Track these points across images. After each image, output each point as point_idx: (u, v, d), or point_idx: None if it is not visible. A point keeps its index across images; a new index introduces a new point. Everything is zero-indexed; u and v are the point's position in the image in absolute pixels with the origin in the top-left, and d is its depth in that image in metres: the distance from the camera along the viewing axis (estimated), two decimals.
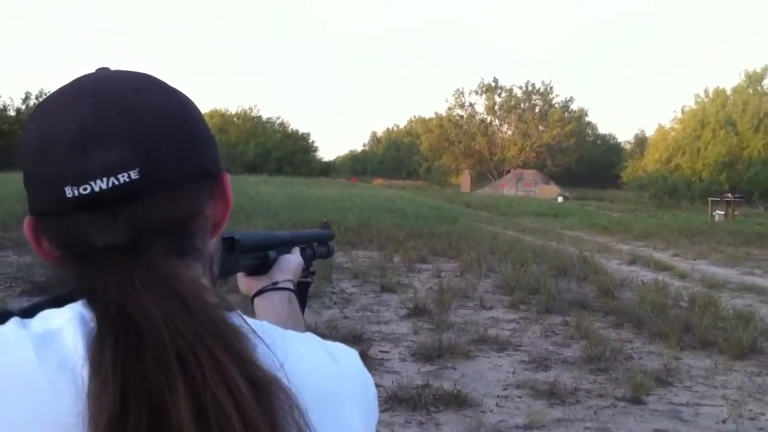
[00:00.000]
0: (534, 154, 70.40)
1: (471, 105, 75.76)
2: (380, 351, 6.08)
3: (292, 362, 0.65)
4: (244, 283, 1.22)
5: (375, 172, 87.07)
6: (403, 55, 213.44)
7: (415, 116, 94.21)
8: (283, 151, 75.91)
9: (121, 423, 0.55)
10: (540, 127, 71.49)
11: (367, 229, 15.28)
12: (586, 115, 79.21)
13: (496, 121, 75.36)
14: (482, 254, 12.03)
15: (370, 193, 35.07)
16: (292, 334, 0.71)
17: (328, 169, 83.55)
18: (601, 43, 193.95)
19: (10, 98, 74.83)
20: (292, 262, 1.24)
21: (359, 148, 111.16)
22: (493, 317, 7.62)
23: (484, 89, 74.58)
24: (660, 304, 7.93)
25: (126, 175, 0.65)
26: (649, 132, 65.33)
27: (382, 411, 4.25)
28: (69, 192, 0.64)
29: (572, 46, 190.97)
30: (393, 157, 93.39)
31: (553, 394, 5.09)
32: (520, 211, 29.55)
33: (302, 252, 1.33)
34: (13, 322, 0.63)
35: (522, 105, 73.78)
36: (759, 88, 49.71)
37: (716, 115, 48.67)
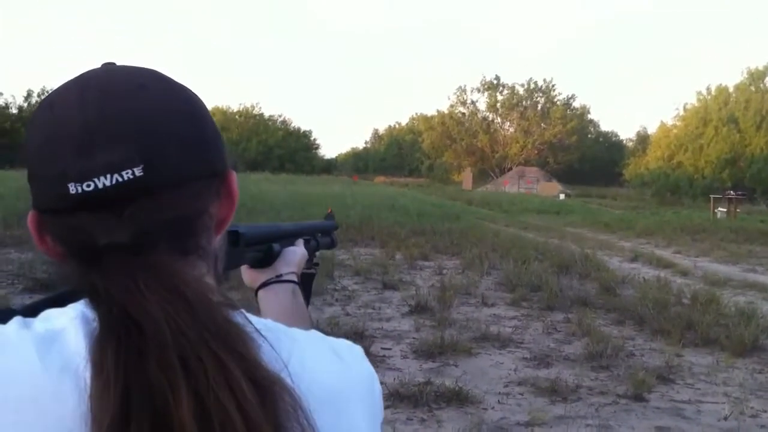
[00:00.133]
0: (536, 152, 70.34)
1: (473, 102, 75.75)
2: (382, 348, 6.08)
3: (296, 362, 0.64)
4: (248, 275, 1.21)
5: (377, 169, 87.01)
6: (405, 53, 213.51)
7: (417, 114, 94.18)
8: (285, 149, 76.00)
9: (124, 425, 0.54)
10: (542, 124, 71.41)
11: (369, 227, 15.26)
12: (588, 112, 79.18)
13: (498, 118, 75.31)
14: (484, 251, 12.02)
15: (372, 191, 35.07)
16: (297, 333, 0.70)
17: (330, 167, 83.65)
18: (602, 40, 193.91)
19: (12, 96, 75.19)
20: (296, 254, 1.24)
21: (361, 145, 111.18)
22: (494, 314, 7.62)
23: (486, 87, 74.51)
24: (662, 301, 7.92)
25: (130, 172, 0.64)
26: (652, 129, 65.46)
27: (383, 408, 4.25)
28: (72, 189, 0.64)
29: (574, 45, 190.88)
30: (395, 155, 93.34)
31: (555, 392, 5.09)
32: (522, 209, 29.52)
33: (306, 243, 1.33)
34: (16, 322, 0.62)
35: (524, 102, 73.71)
36: (761, 85, 49.71)
37: (718, 113, 48.65)
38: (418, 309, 7.53)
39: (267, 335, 0.64)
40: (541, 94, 73.85)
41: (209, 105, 0.75)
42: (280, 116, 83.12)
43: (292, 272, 1.20)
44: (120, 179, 0.64)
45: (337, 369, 0.69)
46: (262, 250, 1.19)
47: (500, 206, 30.63)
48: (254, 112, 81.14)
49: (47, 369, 0.58)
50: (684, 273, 11.27)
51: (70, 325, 0.61)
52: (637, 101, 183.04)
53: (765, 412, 4.91)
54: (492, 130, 73.93)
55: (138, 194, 0.65)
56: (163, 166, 0.66)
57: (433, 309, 7.53)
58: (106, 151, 0.64)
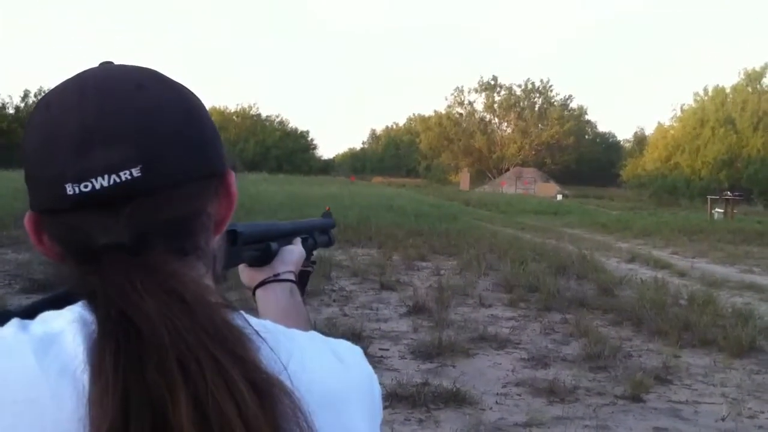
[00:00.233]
0: (533, 153, 70.38)
1: (470, 103, 75.78)
2: (380, 349, 6.08)
3: (296, 363, 0.64)
4: (246, 274, 1.20)
5: (374, 170, 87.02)
6: (403, 54, 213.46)
7: (414, 114, 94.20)
8: (283, 149, 75.99)
9: (123, 429, 0.54)
10: (539, 125, 71.48)
11: (367, 227, 15.26)
12: (586, 113, 79.11)
13: (496, 119, 75.37)
14: (482, 252, 12.02)
15: (369, 191, 35.07)
16: (297, 334, 0.70)
17: (327, 168, 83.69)
18: (600, 41, 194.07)
19: (9, 96, 75.24)
20: (294, 253, 1.23)
21: (359, 146, 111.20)
22: (492, 315, 7.62)
23: (483, 87, 74.56)
24: (659, 302, 7.93)
25: (128, 172, 0.64)
26: (649, 130, 65.36)
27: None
28: (70, 189, 0.64)
29: (571, 45, 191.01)
30: (392, 155, 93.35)
31: (553, 392, 5.09)
32: (520, 210, 29.55)
33: (304, 242, 1.32)
34: (13, 325, 0.62)
35: (521, 103, 73.77)
36: (758, 86, 49.78)
37: (716, 114, 48.73)
38: (416, 310, 7.53)
39: (266, 337, 0.64)
40: (538, 95, 73.93)
41: (207, 105, 0.74)
42: (277, 116, 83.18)
43: (290, 271, 1.19)
44: (118, 180, 0.64)
45: (337, 370, 0.69)
46: (260, 248, 1.18)
47: (497, 207, 30.66)
48: (252, 112, 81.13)
49: (45, 372, 0.57)
50: (681, 274, 11.29)
51: (68, 327, 0.60)
52: (634, 102, 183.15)
53: (762, 413, 4.92)
54: (489, 131, 73.96)
55: (136, 195, 0.65)
56: (162, 166, 0.65)
57: (430, 310, 7.53)
58: (104, 152, 0.64)
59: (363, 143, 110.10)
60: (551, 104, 73.21)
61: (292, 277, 1.19)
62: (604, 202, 43.26)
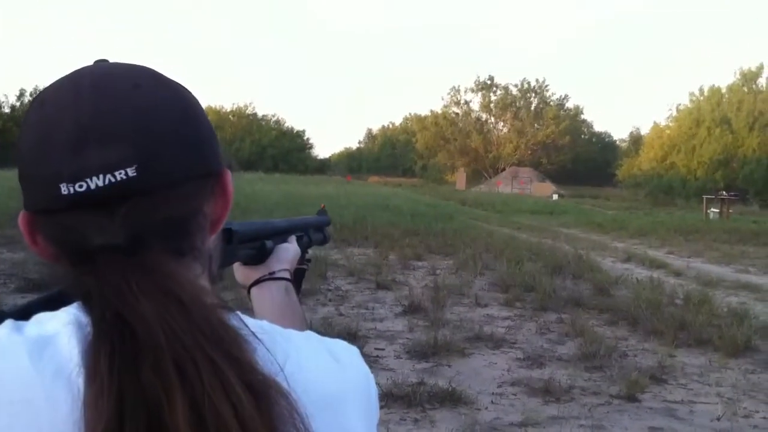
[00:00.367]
0: (529, 152, 70.44)
1: (466, 103, 75.85)
2: (375, 348, 6.08)
3: (293, 364, 0.64)
4: (241, 273, 1.20)
5: (370, 169, 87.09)
6: (399, 53, 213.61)
7: (410, 114, 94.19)
8: (279, 149, 76.04)
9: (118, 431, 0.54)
10: (535, 124, 71.54)
11: (363, 227, 15.26)
12: (582, 112, 79.18)
13: (492, 118, 75.43)
14: (477, 252, 12.03)
15: (365, 191, 35.11)
16: (293, 334, 0.69)
17: (323, 167, 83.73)
18: (596, 42, 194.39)
19: (5, 95, 74.94)
20: (289, 251, 1.23)
21: (355, 145, 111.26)
22: (488, 315, 7.62)
23: (479, 87, 74.62)
24: (655, 301, 7.93)
25: (123, 172, 0.63)
26: (645, 130, 65.43)
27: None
28: (64, 189, 0.63)
29: (568, 46, 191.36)
30: (388, 155, 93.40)
31: (548, 392, 5.09)
32: (516, 209, 29.56)
33: (299, 240, 1.32)
34: (7, 326, 0.61)
35: (517, 103, 73.81)
36: (754, 86, 49.89)
37: (711, 114, 48.80)
38: (412, 309, 7.53)
39: (263, 338, 0.63)
40: (534, 95, 73.98)
41: (202, 104, 0.74)
42: (273, 116, 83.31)
43: (285, 269, 1.19)
44: (113, 180, 0.63)
45: (334, 371, 0.68)
46: (255, 247, 1.17)
47: (493, 207, 30.66)
48: (248, 111, 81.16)
49: (40, 374, 0.56)
50: (677, 273, 11.31)
51: (63, 329, 0.60)
52: (630, 102, 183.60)
53: (757, 412, 4.93)
54: (485, 131, 74.03)
55: (132, 194, 0.64)
56: (158, 165, 0.65)
57: (426, 309, 7.53)
58: (100, 151, 0.63)
59: (359, 143, 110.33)
60: (547, 104, 73.28)
61: (287, 275, 1.19)
62: (600, 201, 43.28)
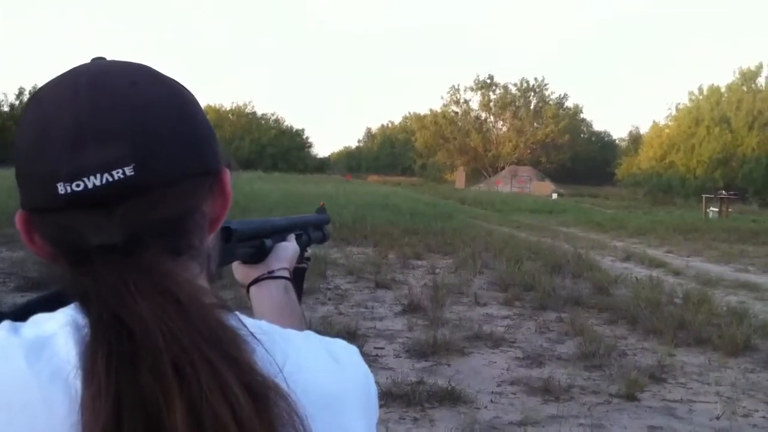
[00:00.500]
0: (528, 151, 70.48)
1: (466, 102, 75.86)
2: (375, 347, 6.08)
3: (292, 365, 0.63)
4: (240, 271, 1.19)
5: (370, 168, 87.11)
6: (399, 53, 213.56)
7: (410, 113, 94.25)
8: (278, 148, 76.00)
9: None
10: (534, 123, 71.56)
11: (362, 226, 15.26)
12: (581, 111, 79.25)
13: (491, 117, 75.44)
14: (477, 251, 12.03)
15: (365, 190, 35.11)
16: (292, 334, 0.69)
17: (323, 166, 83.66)
18: (596, 41, 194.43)
19: (4, 94, 74.74)
20: (288, 250, 1.22)
21: (354, 144, 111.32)
22: (487, 314, 7.62)
23: (479, 86, 74.61)
24: (654, 300, 7.94)
25: (121, 171, 0.63)
26: (644, 129, 65.44)
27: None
28: (61, 188, 0.62)
29: (568, 45, 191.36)
30: (388, 154, 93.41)
31: (548, 391, 5.09)
32: (515, 208, 29.56)
33: (298, 238, 1.32)
34: (4, 328, 0.61)
35: (517, 102, 73.82)
36: (753, 85, 49.90)
37: (711, 113, 48.81)
38: (411, 308, 7.53)
39: (261, 338, 0.63)
40: (533, 94, 74.00)
41: (201, 103, 0.74)
42: (272, 115, 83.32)
43: (284, 268, 1.19)
44: (110, 179, 0.63)
45: (333, 371, 0.68)
46: (254, 245, 1.17)
47: (493, 205, 30.66)
48: (247, 110, 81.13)
49: (36, 376, 0.56)
50: (676, 273, 11.30)
51: (60, 331, 0.60)
52: (629, 101, 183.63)
53: (757, 411, 4.93)
54: (485, 130, 74.05)
55: (129, 194, 0.63)
56: (155, 164, 0.64)
57: (425, 308, 7.52)
58: (97, 149, 0.63)
59: (358, 141, 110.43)
60: (546, 103, 73.30)
61: (286, 274, 1.18)
62: (599, 200, 43.31)
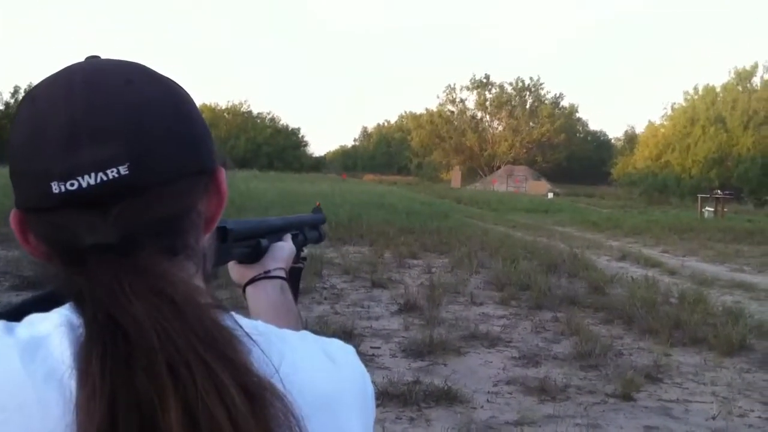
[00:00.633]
0: (524, 150, 70.60)
1: (462, 101, 75.96)
2: (371, 347, 6.07)
3: (288, 366, 0.63)
4: (236, 271, 1.19)
5: (366, 167, 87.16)
6: (397, 53, 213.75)
7: (405, 112, 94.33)
8: (274, 147, 75.94)
9: None
10: (530, 123, 71.66)
11: (358, 225, 15.25)
12: (577, 111, 79.43)
13: (487, 116, 75.54)
14: (473, 250, 12.03)
15: (360, 189, 35.10)
16: (288, 334, 0.68)
17: (318, 165, 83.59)
18: (593, 41, 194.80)
19: None
20: (284, 250, 1.22)
21: (350, 143, 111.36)
22: (483, 313, 7.62)
23: (475, 85, 74.69)
24: (650, 300, 7.94)
25: (115, 170, 0.62)
26: (640, 129, 65.55)
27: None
28: (55, 188, 0.62)
29: (567, 46, 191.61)
30: (384, 153, 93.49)
31: (544, 391, 5.09)
32: (511, 207, 29.61)
33: (294, 238, 1.31)
34: None
35: (513, 101, 73.91)
36: (748, 85, 50.02)
37: (706, 112, 48.93)
38: (407, 308, 7.52)
39: (257, 339, 0.62)
40: (529, 93, 74.10)
41: (197, 102, 0.73)
42: (268, 113, 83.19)
43: (281, 268, 1.18)
44: (105, 178, 0.62)
45: (329, 371, 0.67)
46: (250, 245, 1.17)
47: (489, 205, 30.70)
48: (242, 109, 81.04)
49: (31, 377, 0.56)
50: (672, 272, 11.32)
51: (54, 331, 0.59)
52: (625, 101, 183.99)
53: (753, 411, 4.93)
54: (481, 129, 74.19)
55: (124, 192, 0.63)
56: (150, 163, 0.64)
57: (422, 308, 7.52)
58: (92, 148, 0.62)
59: (354, 141, 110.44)
60: (542, 102, 73.41)
61: (282, 273, 1.18)
62: (595, 200, 43.41)
